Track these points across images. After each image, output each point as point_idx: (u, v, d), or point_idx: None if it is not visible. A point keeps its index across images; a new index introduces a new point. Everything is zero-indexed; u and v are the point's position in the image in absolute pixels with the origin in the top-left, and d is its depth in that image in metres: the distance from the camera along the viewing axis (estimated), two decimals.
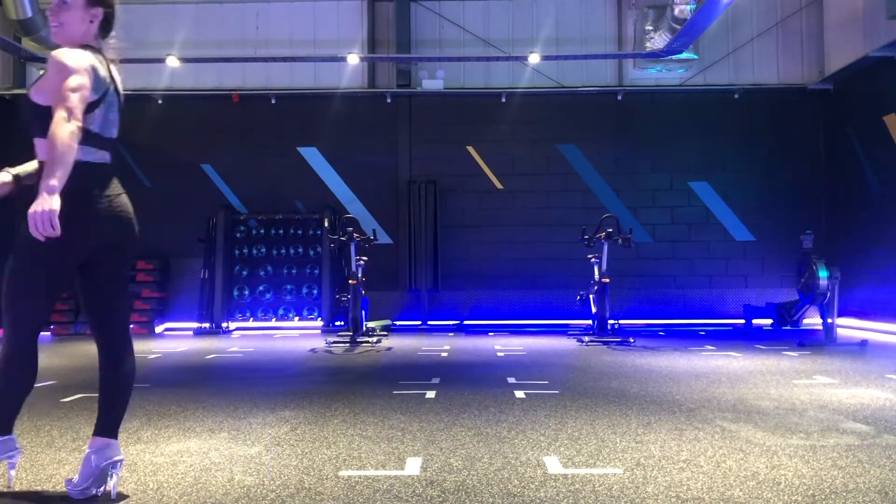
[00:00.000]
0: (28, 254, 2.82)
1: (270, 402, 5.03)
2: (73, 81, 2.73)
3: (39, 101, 2.88)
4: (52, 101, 2.76)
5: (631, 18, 12.30)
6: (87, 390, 5.62)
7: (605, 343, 9.02)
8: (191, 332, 11.45)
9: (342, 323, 11.26)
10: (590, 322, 10.02)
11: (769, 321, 11.21)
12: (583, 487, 2.99)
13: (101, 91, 2.91)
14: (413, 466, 3.33)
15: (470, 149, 12.39)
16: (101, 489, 2.89)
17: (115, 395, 2.98)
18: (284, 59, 11.83)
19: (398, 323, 12.02)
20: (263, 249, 12.08)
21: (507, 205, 12.34)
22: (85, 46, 2.95)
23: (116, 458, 2.91)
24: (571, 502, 2.81)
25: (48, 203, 2.57)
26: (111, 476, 2.89)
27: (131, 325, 10.64)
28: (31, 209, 2.58)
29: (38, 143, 2.91)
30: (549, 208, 12.27)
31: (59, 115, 2.67)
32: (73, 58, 2.81)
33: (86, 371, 6.86)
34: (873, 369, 6.52)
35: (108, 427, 2.93)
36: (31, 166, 3.08)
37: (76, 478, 2.90)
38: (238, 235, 12.08)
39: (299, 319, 11.94)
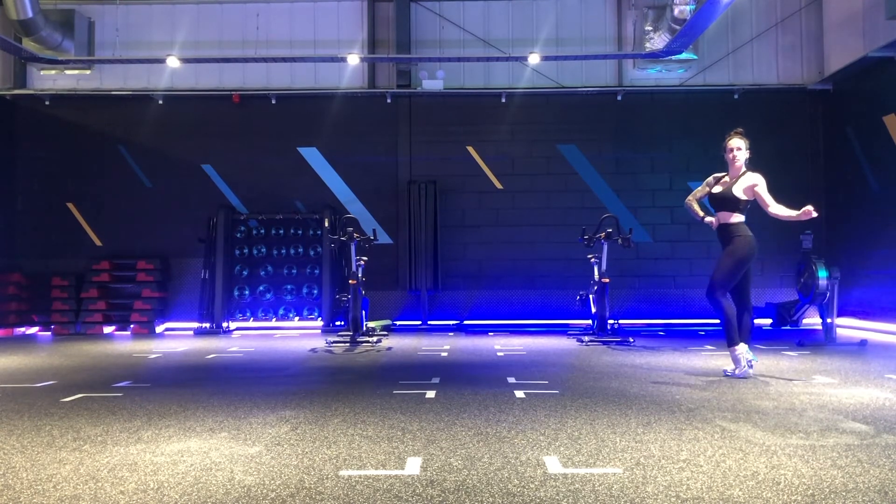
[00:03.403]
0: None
1: (271, 402, 5.03)
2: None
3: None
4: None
5: (631, 19, 12.30)
6: (87, 390, 5.63)
7: (604, 343, 9.02)
8: (191, 332, 11.46)
9: (342, 323, 11.27)
10: (590, 322, 10.03)
11: (769, 321, 11.21)
12: (583, 487, 2.99)
13: None
14: (413, 466, 3.33)
15: (470, 149, 12.40)
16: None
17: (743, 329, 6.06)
18: (284, 60, 11.84)
19: (398, 323, 12.03)
20: (263, 249, 12.09)
21: (506, 205, 12.35)
22: None
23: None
24: (571, 502, 2.82)
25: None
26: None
27: (131, 325, 10.86)
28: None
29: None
30: (548, 208, 12.28)
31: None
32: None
33: (86, 371, 6.87)
34: (872, 369, 6.52)
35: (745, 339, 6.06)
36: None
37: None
38: (238, 235, 12.08)
39: (299, 319, 11.95)
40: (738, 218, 6.08)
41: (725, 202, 6.10)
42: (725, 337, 6.06)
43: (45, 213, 12.31)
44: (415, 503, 2.83)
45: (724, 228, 6.12)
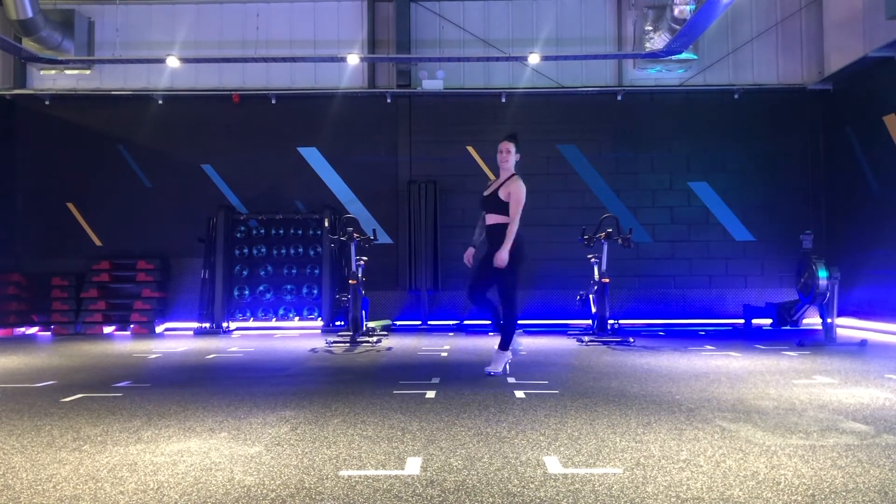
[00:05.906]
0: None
1: (271, 402, 5.03)
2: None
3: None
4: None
5: (631, 18, 12.30)
6: (87, 390, 5.63)
7: (604, 343, 9.02)
8: (191, 332, 11.46)
9: (342, 323, 11.26)
10: (590, 322, 10.03)
11: (769, 321, 11.21)
12: (583, 487, 2.99)
13: None
14: (413, 466, 3.33)
15: (470, 149, 12.39)
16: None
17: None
18: (284, 60, 11.84)
19: (398, 323, 12.03)
20: (263, 249, 12.08)
21: None
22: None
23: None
24: (571, 502, 2.81)
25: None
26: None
27: (131, 325, 10.89)
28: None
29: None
30: (548, 208, 12.26)
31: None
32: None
33: (86, 371, 6.87)
34: (873, 369, 6.52)
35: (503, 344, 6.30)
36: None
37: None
38: (238, 235, 12.08)
39: (299, 319, 11.94)
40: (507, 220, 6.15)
41: (492, 204, 6.21)
42: (510, 337, 6.31)
43: (45, 213, 12.31)
44: (415, 503, 2.83)
45: (494, 230, 6.23)
